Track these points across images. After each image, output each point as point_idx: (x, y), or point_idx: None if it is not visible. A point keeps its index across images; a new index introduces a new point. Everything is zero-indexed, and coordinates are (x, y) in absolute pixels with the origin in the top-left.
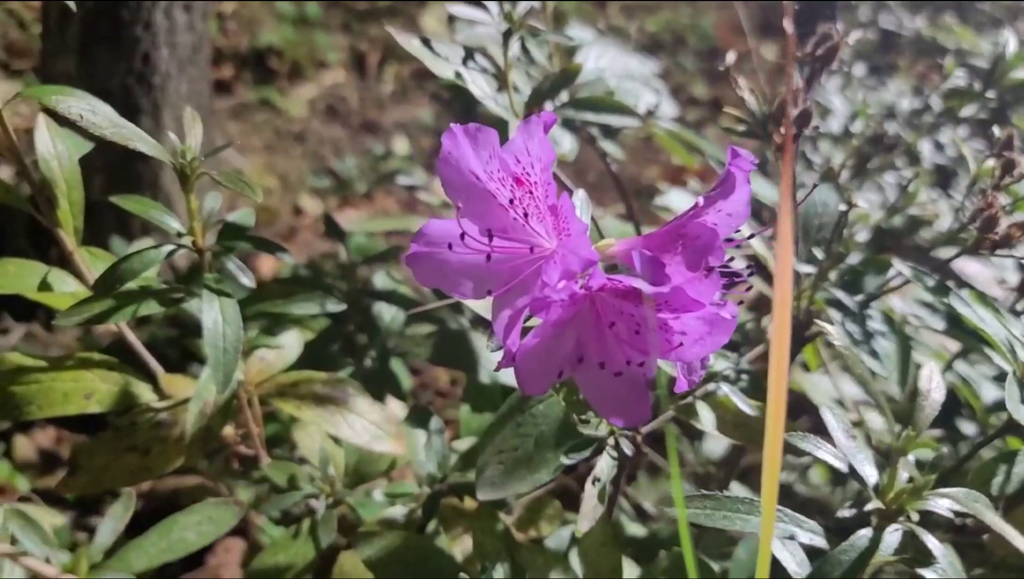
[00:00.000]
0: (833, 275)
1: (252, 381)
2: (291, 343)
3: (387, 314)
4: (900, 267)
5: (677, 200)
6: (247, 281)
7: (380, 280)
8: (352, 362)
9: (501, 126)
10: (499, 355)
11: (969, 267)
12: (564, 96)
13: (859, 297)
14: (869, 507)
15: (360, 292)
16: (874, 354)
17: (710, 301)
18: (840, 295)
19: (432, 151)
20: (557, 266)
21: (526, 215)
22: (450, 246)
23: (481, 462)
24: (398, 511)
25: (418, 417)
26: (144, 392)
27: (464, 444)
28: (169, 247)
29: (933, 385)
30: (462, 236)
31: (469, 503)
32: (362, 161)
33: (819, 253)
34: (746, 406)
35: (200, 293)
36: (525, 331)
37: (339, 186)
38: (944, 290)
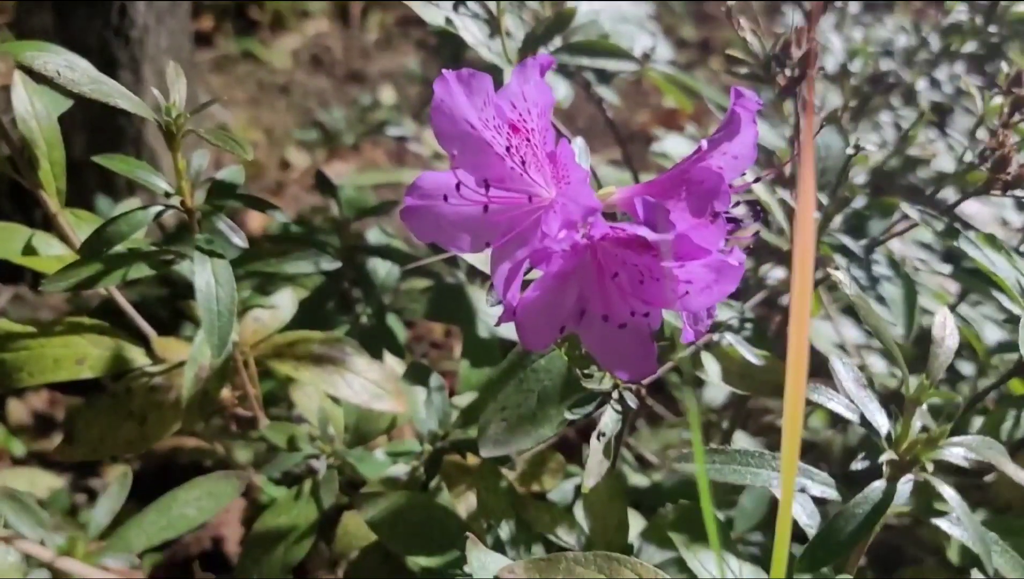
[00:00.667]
0: (838, 220)
1: (247, 342)
2: (285, 303)
3: (382, 270)
4: (908, 210)
5: (674, 146)
6: (239, 241)
7: (373, 235)
8: (348, 320)
9: (494, 73)
10: (498, 310)
11: (969, 207)
12: (558, 41)
13: (863, 241)
14: (883, 458)
15: (353, 248)
16: (880, 300)
17: (716, 248)
18: (846, 240)
19: (420, 100)
20: (557, 215)
21: (524, 163)
22: (445, 198)
23: (483, 420)
24: (400, 470)
25: (417, 373)
26: (137, 356)
27: (464, 399)
28: (157, 208)
29: (947, 332)
30: (457, 187)
31: (471, 459)
32: (349, 112)
33: (824, 198)
34: (752, 356)
35: (191, 255)
36: (525, 285)
37: (326, 139)
38: (953, 233)
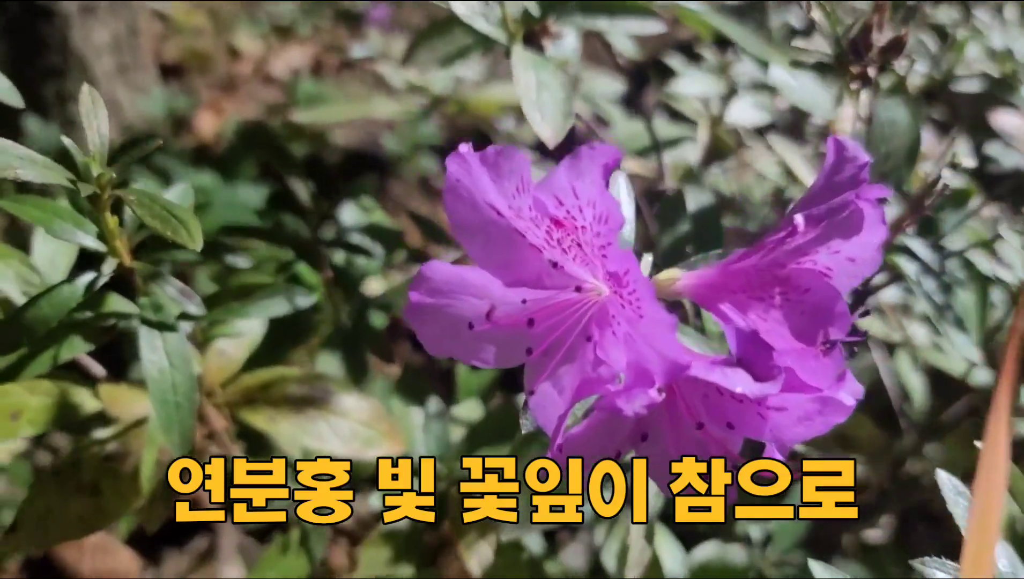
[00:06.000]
0: (909, 227)
1: (213, 381)
2: (253, 327)
3: (361, 260)
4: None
5: (694, 86)
6: (194, 308)
7: (348, 214)
8: (325, 317)
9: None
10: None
11: (1006, 121)
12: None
13: (934, 238)
14: None
15: (324, 242)
16: (960, 324)
17: (828, 385)
18: (915, 244)
19: None
20: (622, 348)
21: (567, 254)
22: (463, 299)
23: None
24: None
25: (411, 389)
26: (86, 400)
27: (465, 409)
28: (88, 277)
29: None
30: (478, 295)
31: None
32: None
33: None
34: None
35: (135, 328)
36: None
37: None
38: None
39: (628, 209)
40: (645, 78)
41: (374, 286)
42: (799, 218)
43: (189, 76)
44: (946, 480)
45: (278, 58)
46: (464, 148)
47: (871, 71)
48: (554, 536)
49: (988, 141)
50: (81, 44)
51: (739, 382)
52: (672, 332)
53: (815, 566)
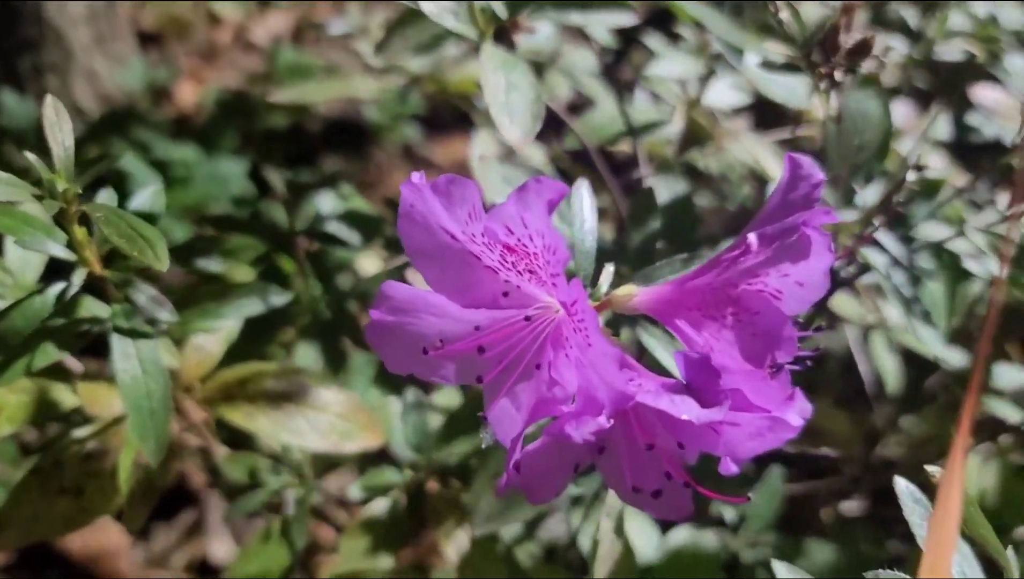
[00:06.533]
0: (878, 219)
1: (191, 376)
2: (230, 322)
3: (339, 250)
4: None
5: (672, 68)
6: (167, 315)
7: (325, 202)
8: (303, 308)
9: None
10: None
11: (986, 95)
12: None
13: (903, 231)
14: None
15: (301, 232)
16: (927, 317)
17: (777, 405)
18: (885, 238)
19: None
20: (574, 371)
21: (521, 275)
22: (422, 318)
23: (474, 492)
24: (380, 506)
25: (389, 377)
26: (65, 396)
27: (444, 398)
28: (58, 287)
29: None
30: (437, 314)
31: (458, 487)
32: None
33: (859, 184)
34: None
35: (108, 334)
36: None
37: None
38: None
39: (591, 221)
40: (624, 51)
41: (366, 265)
42: (752, 237)
43: (168, 43)
44: (904, 488)
45: (258, 25)
46: (416, 177)
47: (837, 73)
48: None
49: (969, 112)
50: (56, 15)
51: (685, 410)
52: (616, 363)
53: (778, 566)
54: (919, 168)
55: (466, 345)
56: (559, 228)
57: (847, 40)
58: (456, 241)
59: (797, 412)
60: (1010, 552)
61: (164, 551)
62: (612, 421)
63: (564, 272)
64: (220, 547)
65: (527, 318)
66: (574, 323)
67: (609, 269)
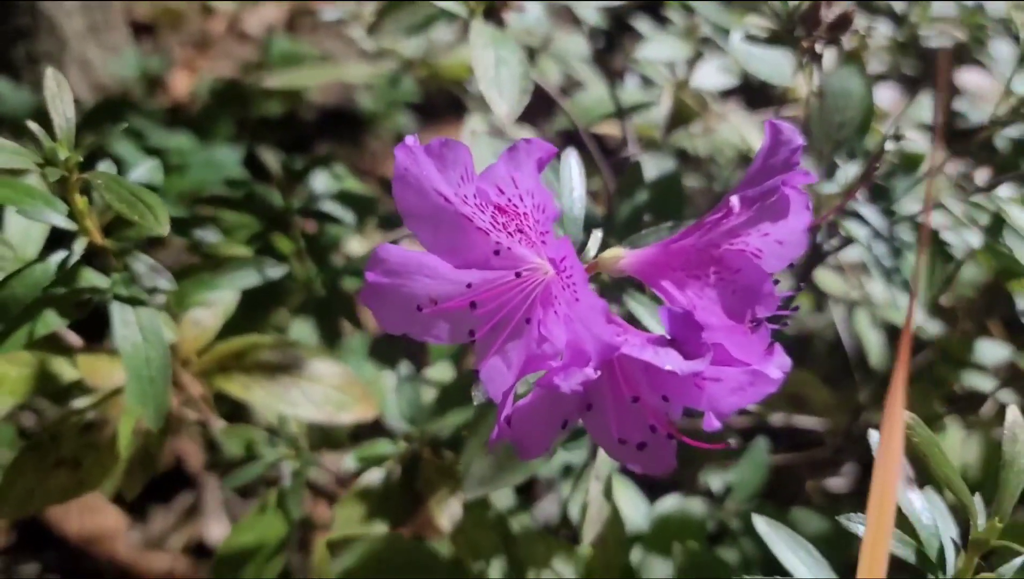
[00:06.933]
0: (860, 193)
1: (188, 350)
2: (226, 296)
3: (332, 228)
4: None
5: (661, 51)
6: (165, 283)
7: (319, 181)
8: (298, 285)
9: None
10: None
11: (970, 79)
12: None
13: (885, 204)
14: None
15: (296, 210)
16: (905, 285)
17: (757, 361)
18: (867, 212)
19: None
20: (563, 327)
21: (512, 237)
22: (417, 279)
23: (466, 457)
24: (375, 476)
25: (383, 352)
26: (65, 369)
27: (436, 372)
28: (60, 255)
29: (1018, 447)
30: (430, 276)
31: (451, 458)
32: None
33: (841, 160)
34: None
35: (108, 302)
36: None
37: None
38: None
39: (579, 189)
40: (616, 38)
41: (354, 246)
42: (734, 199)
43: (162, 34)
44: (876, 439)
45: (252, 14)
46: (410, 139)
47: (818, 46)
48: (531, 489)
49: (956, 98)
50: (50, 4)
51: (669, 361)
52: (602, 316)
53: (758, 521)
54: (897, 137)
55: (458, 302)
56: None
57: (828, 14)
58: (449, 203)
59: (777, 365)
60: (977, 498)
61: (161, 533)
62: (599, 372)
63: (553, 230)
64: (217, 529)
65: (517, 274)
66: (563, 280)
67: (597, 234)
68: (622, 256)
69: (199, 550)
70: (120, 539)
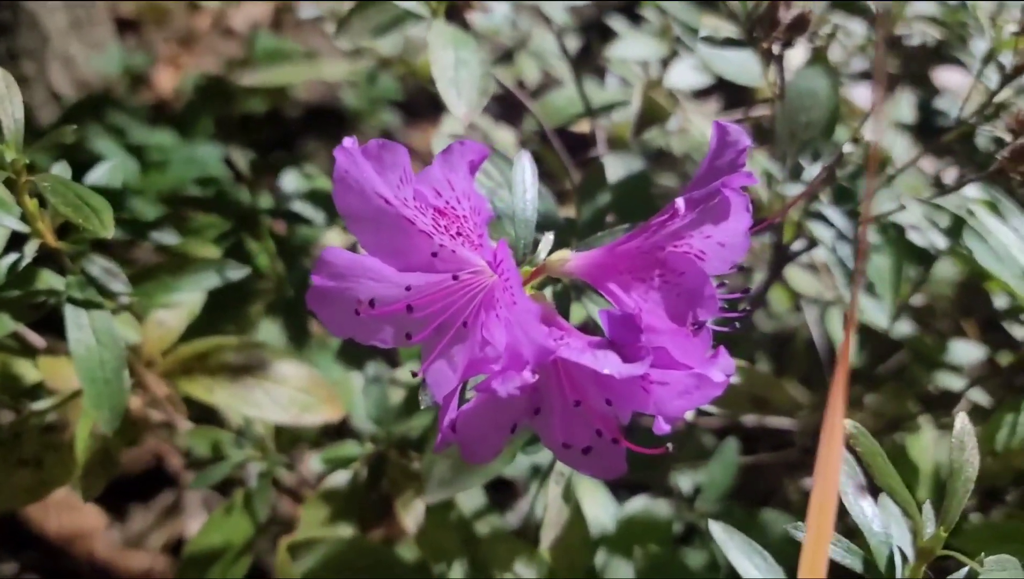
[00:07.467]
0: (824, 194)
1: (152, 350)
2: (191, 297)
3: (305, 228)
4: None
5: (634, 50)
6: (119, 286)
7: (289, 181)
8: (268, 286)
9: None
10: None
11: (949, 78)
12: None
13: (850, 205)
14: None
15: (266, 210)
16: (871, 289)
17: (700, 363)
18: (831, 213)
19: None
20: (503, 330)
21: (454, 239)
22: (361, 282)
23: (428, 460)
24: (341, 478)
25: (351, 353)
26: (27, 371)
27: (406, 373)
28: (10, 259)
29: (966, 457)
30: (375, 279)
31: (417, 459)
32: None
33: (806, 160)
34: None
35: (61, 305)
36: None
37: None
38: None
39: (531, 190)
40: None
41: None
42: (680, 201)
43: (146, 30)
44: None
45: (238, 11)
46: (348, 142)
47: (775, 48)
48: (511, 489)
49: (935, 97)
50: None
51: (607, 364)
52: (537, 319)
53: (714, 527)
54: (856, 140)
55: (397, 306)
56: (503, 197)
57: (786, 15)
58: (390, 205)
59: (720, 369)
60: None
61: (141, 532)
62: (537, 376)
63: (488, 231)
64: (196, 528)
65: (455, 277)
66: (501, 283)
67: (549, 237)
68: (568, 258)
69: (179, 549)
70: (99, 538)
